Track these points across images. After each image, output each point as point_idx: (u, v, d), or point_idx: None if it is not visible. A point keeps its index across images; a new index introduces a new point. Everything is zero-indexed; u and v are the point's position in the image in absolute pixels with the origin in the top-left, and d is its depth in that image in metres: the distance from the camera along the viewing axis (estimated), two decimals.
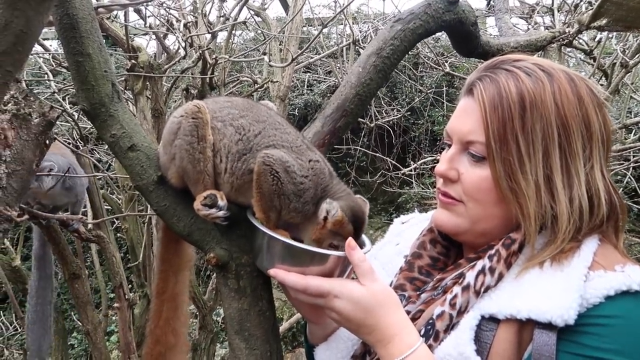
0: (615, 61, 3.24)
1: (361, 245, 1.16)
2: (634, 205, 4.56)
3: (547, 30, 2.19)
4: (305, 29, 5.50)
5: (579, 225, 0.96)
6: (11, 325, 4.30)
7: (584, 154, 0.97)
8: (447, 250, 1.16)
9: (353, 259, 1.00)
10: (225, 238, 1.25)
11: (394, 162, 4.73)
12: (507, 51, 1.93)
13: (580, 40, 3.72)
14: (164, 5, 2.73)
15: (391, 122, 5.79)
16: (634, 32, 2.94)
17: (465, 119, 1.03)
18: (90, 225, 2.97)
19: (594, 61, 3.39)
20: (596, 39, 3.43)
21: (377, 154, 4.78)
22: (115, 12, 2.80)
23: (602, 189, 0.97)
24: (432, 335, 0.96)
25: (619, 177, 5.37)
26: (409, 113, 6.24)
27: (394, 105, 6.10)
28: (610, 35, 4.63)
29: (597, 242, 0.96)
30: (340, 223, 1.10)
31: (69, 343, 5.36)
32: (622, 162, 3.82)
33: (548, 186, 0.96)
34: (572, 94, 0.97)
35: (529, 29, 3.79)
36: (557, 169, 0.95)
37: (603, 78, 3.56)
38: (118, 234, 4.20)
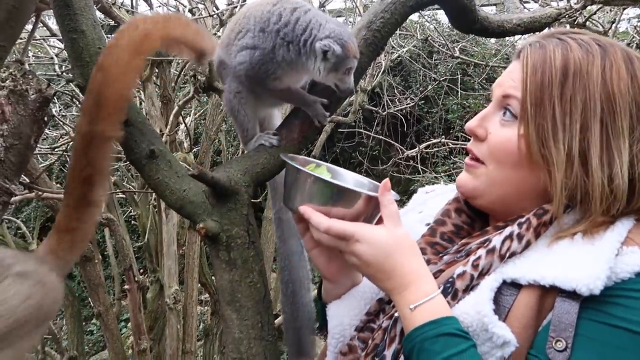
0: (630, 42, 3.16)
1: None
2: None
3: (552, 7, 2.14)
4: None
5: (617, 206, 0.92)
6: None
7: (631, 134, 0.93)
8: (471, 221, 1.14)
9: (383, 199, 0.98)
10: (217, 211, 1.27)
11: (406, 149, 4.70)
12: (508, 28, 1.90)
13: (595, 21, 3.65)
14: None
15: (405, 110, 5.75)
16: None
17: (507, 78, 1.04)
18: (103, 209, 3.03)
19: None
20: (611, 21, 3.35)
21: (388, 141, 4.74)
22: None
23: None
24: (450, 293, 0.95)
25: None
26: (422, 102, 6.20)
27: (407, 94, 6.06)
28: (627, 15, 4.51)
29: (634, 221, 0.93)
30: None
31: (88, 329, 5.51)
32: None
33: (583, 160, 0.93)
34: (625, 72, 0.94)
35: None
36: (596, 144, 0.92)
37: None
38: (133, 222, 4.28)
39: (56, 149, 4.03)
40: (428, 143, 4.05)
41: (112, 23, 2.88)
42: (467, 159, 1.09)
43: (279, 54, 1.25)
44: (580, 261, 0.86)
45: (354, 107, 4.68)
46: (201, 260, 3.33)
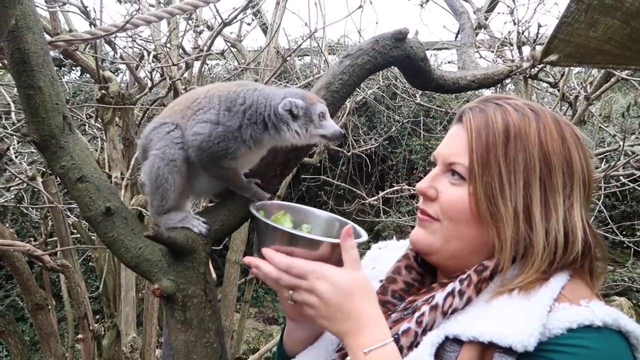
0: (577, 94, 3.34)
1: (357, 235, 1.16)
2: (608, 234, 4.63)
3: (504, 65, 2.26)
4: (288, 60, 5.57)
5: (553, 258, 0.98)
6: None
7: (564, 190, 1.00)
8: (421, 277, 1.17)
9: (344, 244, 1.01)
10: (173, 269, 1.25)
11: (371, 190, 4.76)
12: (463, 84, 1.98)
13: (548, 73, 3.85)
14: (135, 36, 2.77)
15: (369, 150, 5.85)
16: (585, 67, 3.04)
17: (451, 143, 1.09)
18: (59, 254, 2.93)
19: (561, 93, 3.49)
20: (561, 72, 3.54)
21: (349, 186, 4.79)
22: (88, 44, 2.82)
23: (579, 228, 1.00)
24: None
25: (592, 205, 5.46)
26: (387, 142, 6.33)
27: (372, 135, 6.18)
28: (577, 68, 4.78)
29: (567, 277, 0.98)
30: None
31: None
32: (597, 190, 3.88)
33: (527, 215, 0.99)
34: (556, 134, 1.02)
35: (495, 62, 3.91)
36: (537, 200, 0.99)
37: (570, 109, 3.67)
38: (90, 263, 4.14)
39: (11, 188, 3.91)
40: (388, 190, 4.14)
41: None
42: (419, 214, 1.12)
43: (246, 132, 1.26)
44: (516, 317, 0.90)
45: (319, 147, 4.73)
46: (161, 304, 3.24)
